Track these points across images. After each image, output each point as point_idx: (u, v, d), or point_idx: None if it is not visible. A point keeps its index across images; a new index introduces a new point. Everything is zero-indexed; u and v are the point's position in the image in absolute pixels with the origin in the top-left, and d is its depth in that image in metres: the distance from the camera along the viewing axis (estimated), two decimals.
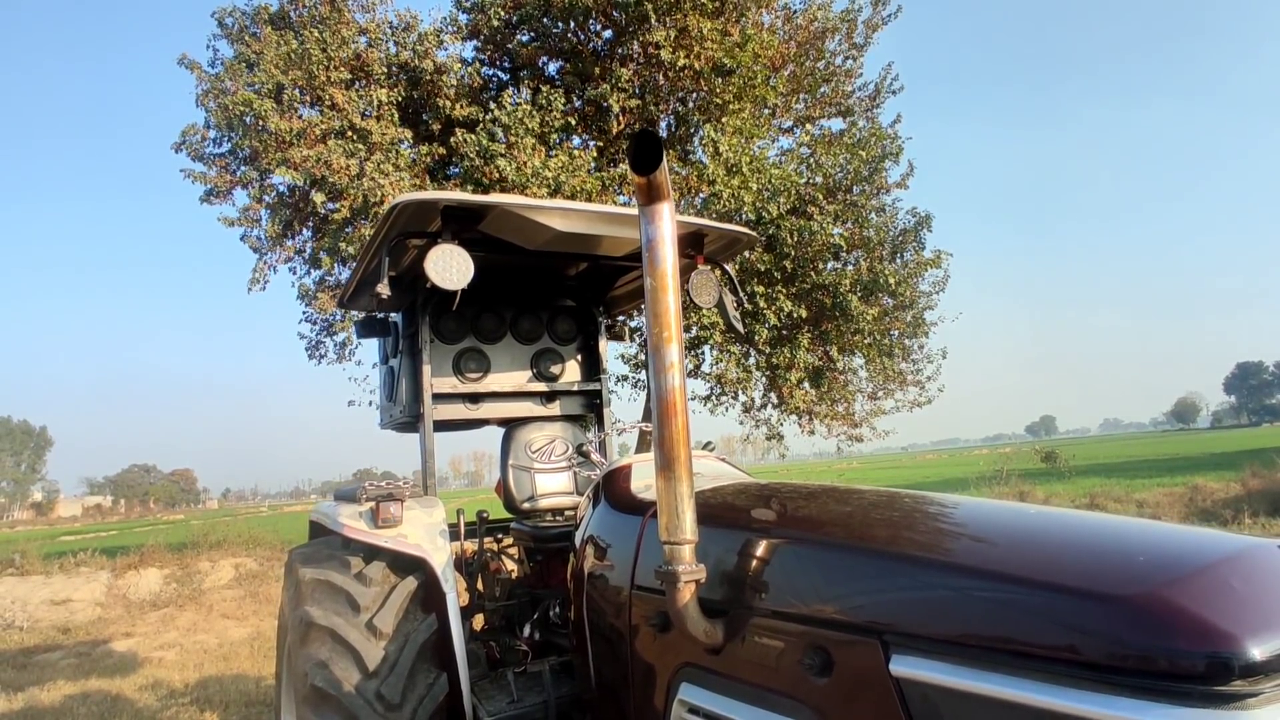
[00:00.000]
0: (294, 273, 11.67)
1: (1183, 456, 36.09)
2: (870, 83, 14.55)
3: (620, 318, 5.20)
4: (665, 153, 1.84)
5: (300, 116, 9.78)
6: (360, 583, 2.94)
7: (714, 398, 13.15)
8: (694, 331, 11.63)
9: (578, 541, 2.74)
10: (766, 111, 13.61)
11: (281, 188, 10.59)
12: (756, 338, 11.25)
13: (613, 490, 2.61)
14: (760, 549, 1.78)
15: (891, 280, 10.93)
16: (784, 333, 11.54)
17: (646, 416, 12.79)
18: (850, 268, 11.36)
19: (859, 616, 1.50)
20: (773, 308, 10.87)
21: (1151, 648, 1.10)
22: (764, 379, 12.60)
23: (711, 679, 1.85)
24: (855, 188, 11.50)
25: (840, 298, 10.88)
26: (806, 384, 12.12)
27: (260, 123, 9.34)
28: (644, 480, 2.64)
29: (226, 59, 10.34)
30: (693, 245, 3.63)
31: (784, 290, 11.04)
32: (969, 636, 1.29)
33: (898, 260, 11.70)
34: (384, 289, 2.98)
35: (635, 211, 3.35)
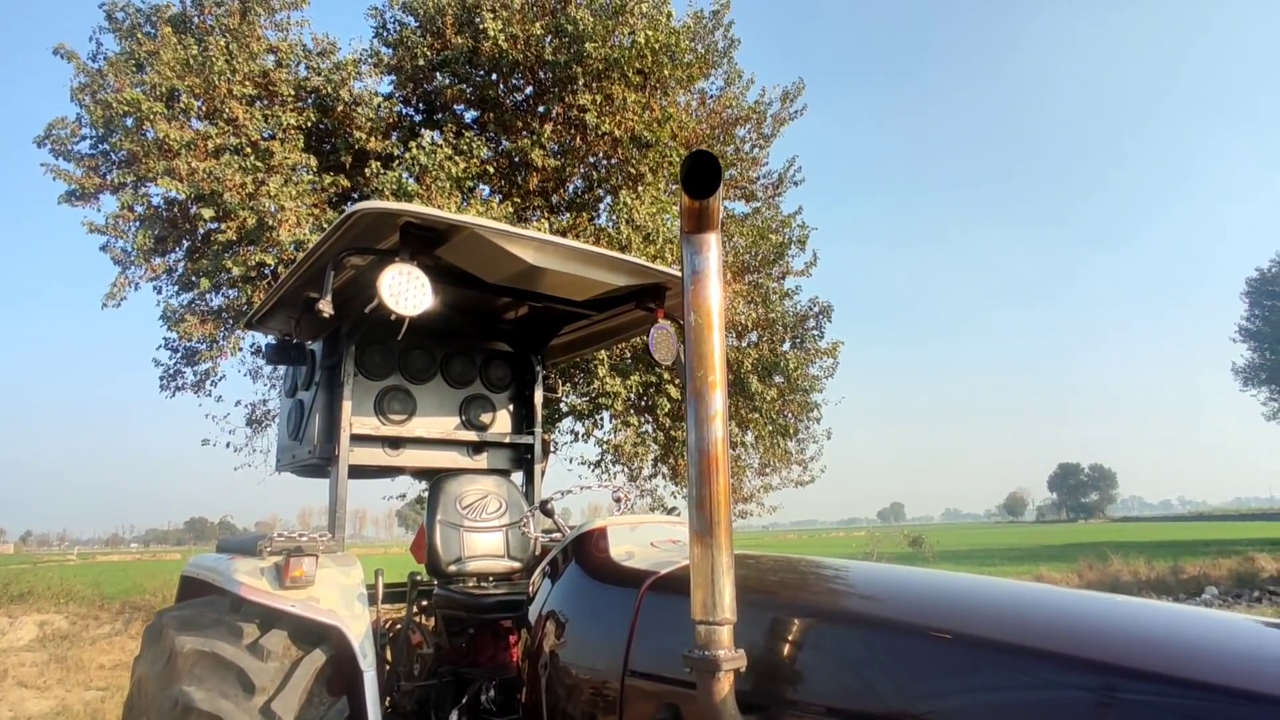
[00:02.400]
0: (159, 292, 10.54)
1: (1019, 547, 39.00)
2: (775, 172, 15.34)
3: (554, 370, 4.91)
4: (721, 181, 1.66)
5: (192, 127, 9.00)
6: (255, 656, 2.43)
7: (605, 464, 12.90)
8: (594, 395, 11.42)
9: (533, 615, 2.39)
10: (676, 187, 13.97)
11: (157, 199, 9.62)
12: (658, 410, 11.18)
13: (588, 557, 2.30)
14: (805, 632, 1.55)
15: (791, 363, 11.24)
16: (683, 407, 11.52)
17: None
18: (752, 347, 11.61)
19: (947, 716, 1.28)
20: (675, 381, 10.87)
21: None
22: (658, 449, 12.50)
23: None
24: (762, 269, 11.89)
25: (741, 376, 11.04)
26: None
27: (145, 126, 8.49)
28: (624, 547, 2.35)
29: (111, 54, 9.46)
30: (653, 298, 3.46)
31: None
32: None
33: (797, 346, 12.11)
34: (326, 306, 2.61)
35: (612, 253, 3.16)
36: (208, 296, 10.04)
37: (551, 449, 13.53)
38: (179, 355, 11.00)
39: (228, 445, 11.76)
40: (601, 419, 12.31)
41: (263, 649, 2.45)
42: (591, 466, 12.94)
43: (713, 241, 1.70)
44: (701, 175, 1.62)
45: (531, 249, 2.82)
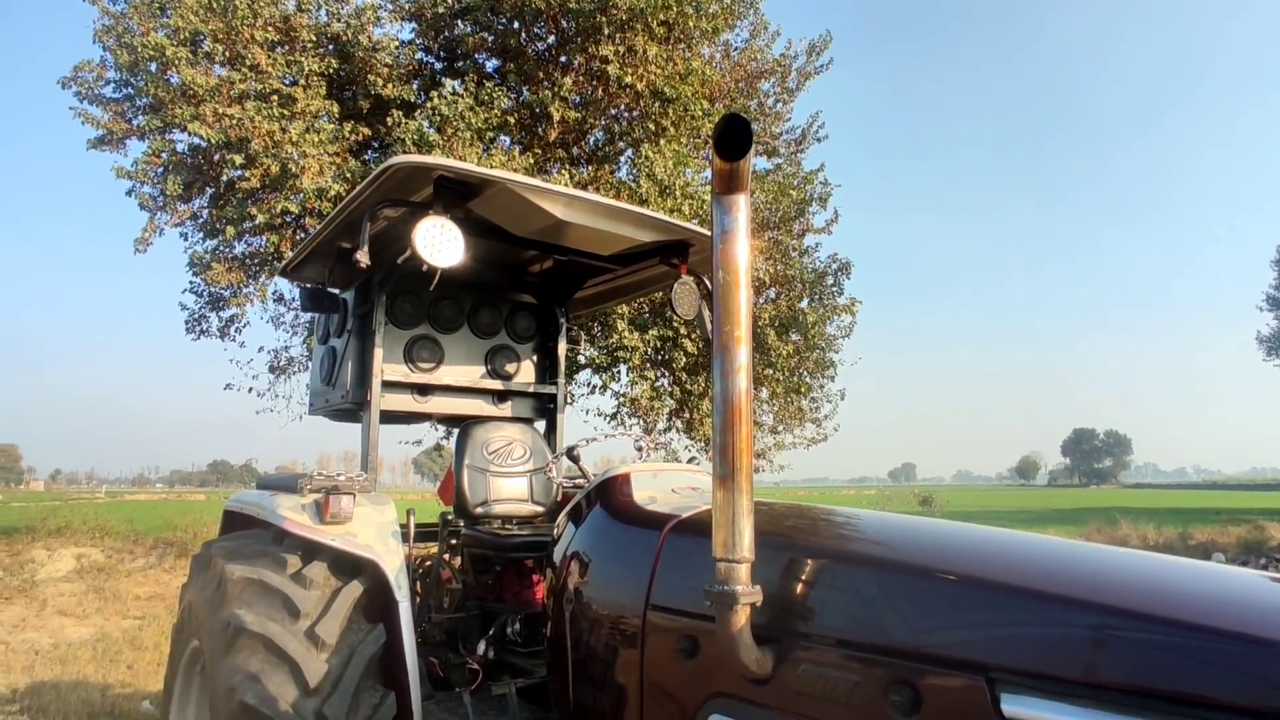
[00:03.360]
0: (185, 239, 10.70)
1: (1029, 510, 39.25)
2: (798, 128, 15.12)
3: (576, 323, 5.01)
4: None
5: (216, 73, 9.00)
6: (299, 584, 2.59)
7: (620, 417, 13.07)
8: (611, 349, 11.54)
9: (558, 555, 2.52)
10: (699, 140, 13.84)
11: (183, 146, 9.70)
12: (674, 364, 11.28)
13: (613, 502, 2.42)
14: (821, 572, 1.66)
15: (809, 319, 11.27)
16: (699, 361, 11.63)
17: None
18: (769, 303, 11.63)
19: (958, 651, 1.39)
20: (693, 335, 10.93)
21: None
22: (673, 403, 12.64)
23: (752, 711, 1.69)
24: (781, 226, 11.84)
25: (759, 331, 11.09)
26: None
27: (169, 71, 8.52)
28: (647, 492, 2.47)
29: None
30: (677, 253, 3.52)
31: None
32: (1102, 678, 1.21)
33: (814, 301, 12.10)
34: (364, 257, 2.70)
35: (639, 209, 3.22)
36: (232, 243, 10.16)
37: (569, 400, 13.73)
38: (204, 300, 11.20)
39: (250, 390, 12.02)
40: (619, 372, 12.43)
41: (305, 578, 2.61)
42: (608, 418, 13.12)
43: (742, 202, 1.76)
44: (733, 137, 1.68)
45: (561, 204, 2.89)
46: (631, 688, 2.01)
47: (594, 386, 13.22)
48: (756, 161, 15.20)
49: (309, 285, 3.80)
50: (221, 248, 10.40)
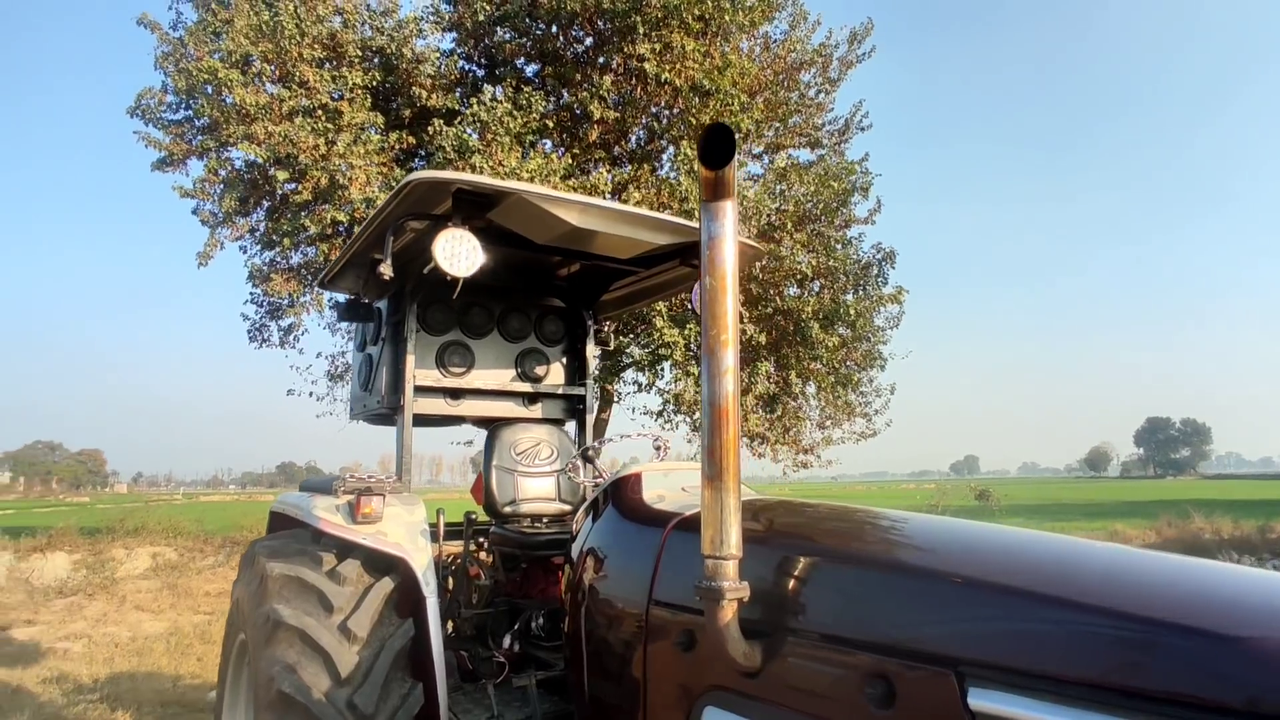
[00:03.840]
0: (244, 251, 11.19)
1: (1097, 503, 37.82)
2: (840, 118, 14.90)
3: (607, 324, 5.10)
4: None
5: (266, 91, 9.39)
6: (334, 581, 2.73)
7: (666, 414, 13.12)
8: (653, 347, 11.60)
9: (575, 552, 2.61)
10: (739, 136, 13.76)
11: (239, 162, 10.14)
12: None
13: (623, 500, 2.49)
14: (807, 568, 1.70)
15: (852, 311, 11.12)
16: (743, 356, 11.60)
17: (598, 430, 12.65)
18: (813, 296, 11.51)
19: (929, 645, 1.42)
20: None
21: (1275, 691, 1.05)
22: None
23: (744, 703, 1.74)
24: (823, 218, 11.70)
25: (802, 324, 11.01)
26: (761, 409, 12.20)
27: (223, 92, 8.92)
28: (656, 491, 2.53)
29: (189, 23, 9.89)
30: (696, 255, 3.56)
31: (747, 313, 11.11)
32: (1067, 673, 1.23)
33: (859, 292, 11.93)
34: (386, 269, 2.83)
35: (653, 214, 3.28)
36: (288, 254, 10.58)
37: (615, 399, 13.85)
38: (264, 311, 11.68)
39: (310, 394, 12.49)
40: (662, 369, 12.49)
41: (339, 575, 2.75)
42: (654, 416, 13.19)
43: (729, 209, 1.81)
44: (717, 146, 1.73)
45: (575, 212, 2.96)
46: (636, 681, 2.08)
47: (640, 385, 13.32)
48: (799, 153, 15.06)
49: (346, 296, 3.97)
50: (278, 259, 10.84)
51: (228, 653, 3.39)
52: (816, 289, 11.76)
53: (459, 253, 2.73)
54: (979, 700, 1.30)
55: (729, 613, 1.63)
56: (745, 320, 10.96)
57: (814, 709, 1.59)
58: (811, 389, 12.82)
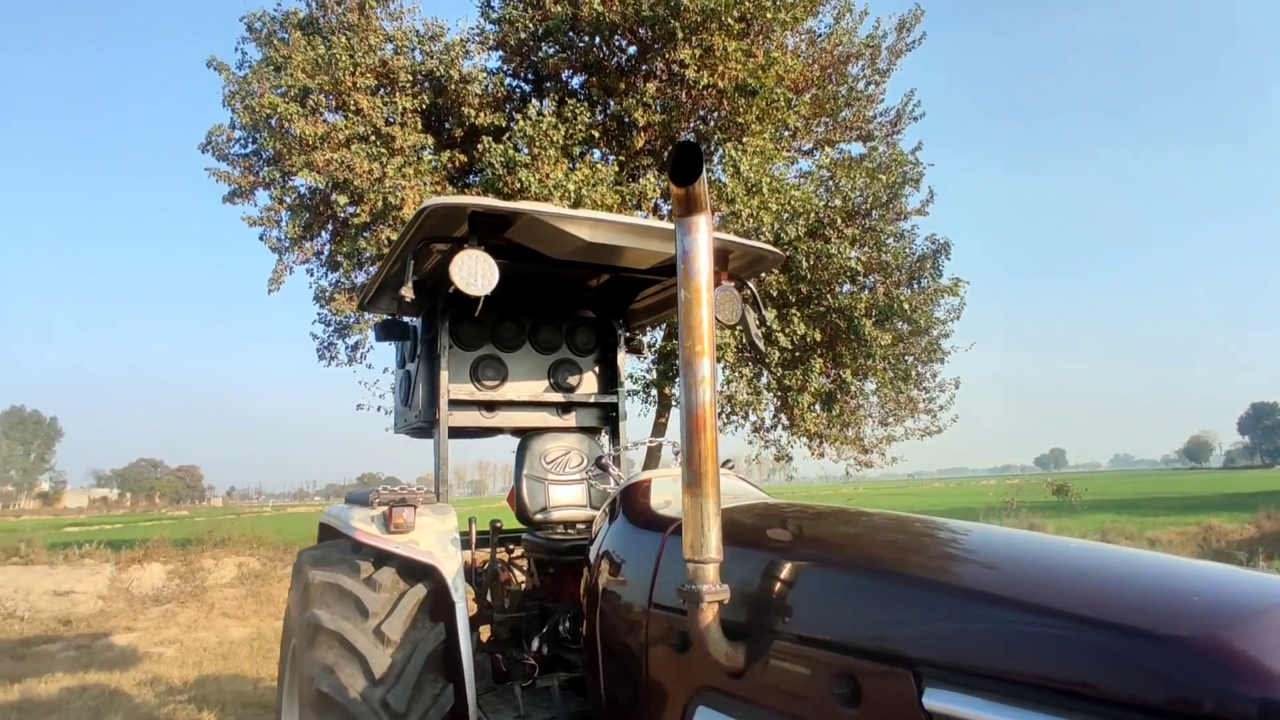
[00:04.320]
0: (311, 274, 11.77)
1: (1196, 495, 35.65)
2: (892, 108, 14.61)
3: (639, 333, 5.18)
4: (705, 166, 1.82)
5: (325, 120, 9.87)
6: (369, 588, 2.90)
7: (724, 417, 13.10)
8: None
9: (592, 556, 2.70)
10: (787, 134, 13.66)
11: (303, 190, 10.69)
12: (769, 360, 11.21)
13: (631, 505, 2.57)
14: (787, 571, 1.73)
15: (907, 306, 10.89)
16: (797, 355, 11.50)
17: (657, 432, 12.74)
18: (866, 292, 11.32)
19: (890, 646, 1.45)
20: (786, 330, 10.84)
21: (1207, 691, 1.05)
22: (775, 400, 12.55)
23: (731, 703, 1.79)
24: (874, 212, 11.50)
25: (855, 322, 10.84)
26: (818, 407, 12.06)
27: (285, 125, 9.43)
28: (663, 496, 2.60)
29: (254, 62, 10.48)
30: (717, 261, 3.60)
31: (799, 312, 11.02)
32: (1010, 672, 1.24)
33: (914, 286, 11.67)
34: (407, 292, 2.97)
35: (662, 224, 3.35)
36: (351, 275, 11.07)
37: (674, 402, 13.91)
38: (331, 329, 12.24)
39: (378, 409, 12.99)
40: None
41: (375, 582, 2.92)
42: None
43: (702, 223, 1.86)
44: (686, 164, 1.79)
45: (586, 228, 3.06)
46: (638, 682, 2.15)
47: None
48: (851, 147, 14.81)
49: (384, 315, 4.18)
50: (342, 279, 11.35)
51: (284, 656, 3.61)
52: (870, 285, 11.56)
53: (475, 273, 2.85)
54: (933, 700, 1.32)
55: (709, 615, 1.68)
56: (796, 319, 10.86)
57: (790, 708, 1.63)
58: (870, 385, 12.61)
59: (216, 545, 13.57)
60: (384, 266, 3.48)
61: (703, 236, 1.86)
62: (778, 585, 1.72)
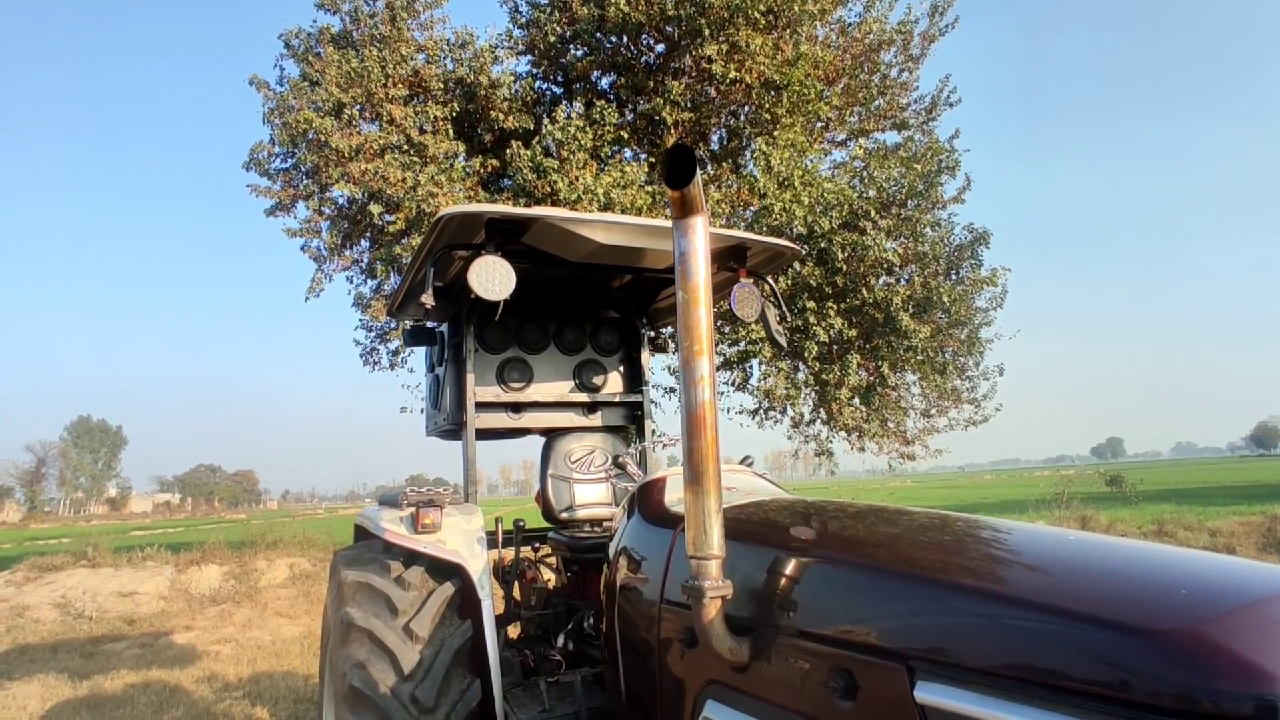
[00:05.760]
0: (351, 281, 12.06)
1: (1263, 484, 34.17)
2: (926, 95, 14.35)
3: (664, 330, 5.21)
4: (700, 167, 1.85)
5: (359, 132, 10.11)
6: (399, 586, 2.99)
7: (762, 412, 13.05)
8: (742, 345, 11.58)
9: (611, 553, 2.74)
10: (820, 125, 13.53)
11: (340, 200, 10.96)
12: (806, 354, 11.13)
13: (647, 503, 2.61)
14: (789, 567, 1.75)
15: (946, 298, 10.70)
16: (834, 349, 11.39)
17: None
18: (903, 284, 11.15)
19: (884, 640, 1.46)
20: (822, 324, 10.74)
21: (1193, 687, 1.04)
22: (813, 395, 12.44)
23: (737, 697, 1.82)
24: (910, 202, 11.31)
25: (892, 314, 10.69)
26: (857, 401, 11.92)
27: (321, 139, 9.68)
28: (678, 494, 2.63)
29: (292, 78, 10.77)
30: (735, 259, 3.62)
31: (834, 306, 10.91)
32: (998, 667, 1.25)
33: (953, 277, 11.45)
34: (428, 299, 3.05)
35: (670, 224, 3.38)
36: (389, 282, 11.32)
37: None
38: (373, 335, 12.53)
39: (420, 411, 13.25)
40: (750, 368, 12.46)
41: (405, 581, 3.02)
42: (750, 415, 13.17)
43: (699, 225, 1.89)
44: (680, 167, 1.81)
45: (600, 230, 3.10)
46: (652, 676, 2.19)
47: (732, 384, 13.30)
48: (886, 136, 14.59)
49: (413, 322, 4.29)
50: (381, 286, 11.61)
51: (323, 653, 3.74)
52: (907, 276, 11.38)
53: (493, 278, 2.91)
54: (924, 694, 1.33)
55: (712, 610, 1.71)
56: (833, 313, 10.76)
57: (791, 702, 1.65)
58: (912, 377, 12.42)
59: (269, 547, 14.02)
60: (408, 274, 3.58)
61: (699, 238, 1.89)
62: (780, 580, 1.74)
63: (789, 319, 10.15)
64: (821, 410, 12.78)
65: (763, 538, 1.98)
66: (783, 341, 3.85)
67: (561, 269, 3.55)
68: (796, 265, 10.54)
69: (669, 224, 3.36)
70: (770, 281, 3.77)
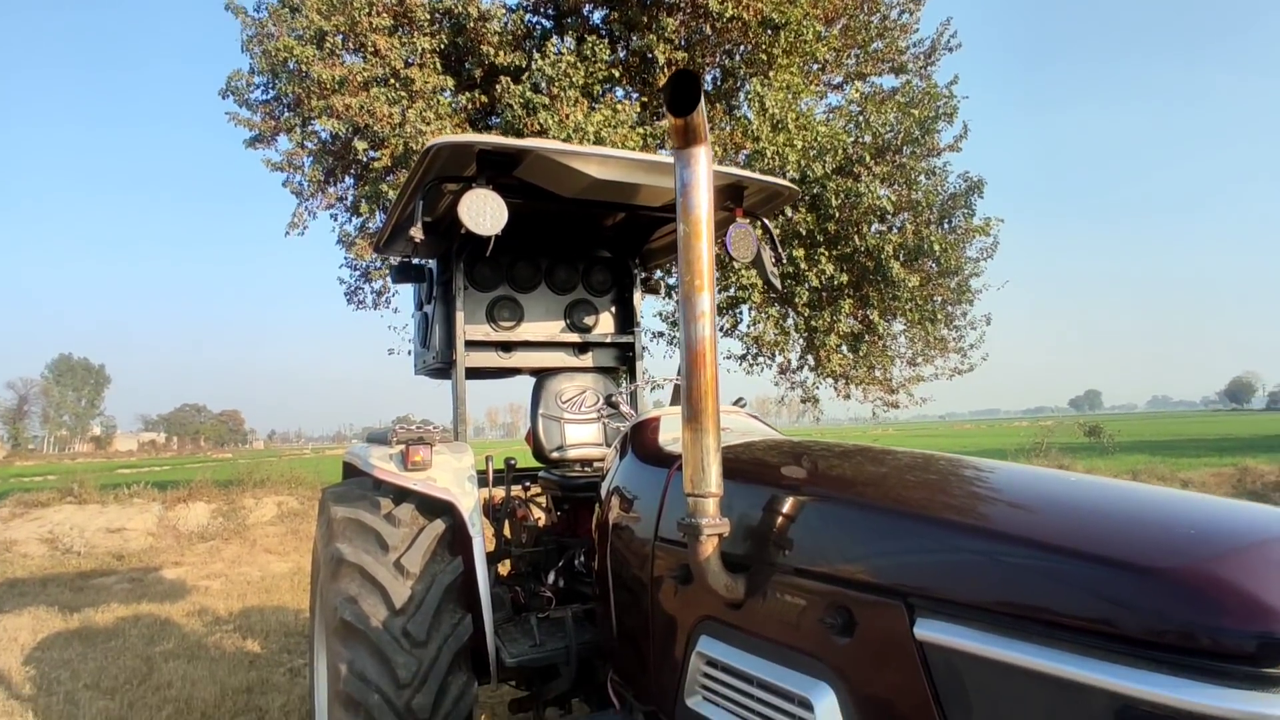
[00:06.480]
0: (335, 219, 11.81)
1: (1234, 437, 35.00)
2: (926, 39, 14.03)
3: (657, 272, 5.13)
4: (704, 96, 1.77)
5: (343, 63, 9.74)
6: (389, 523, 2.98)
7: (750, 358, 13.09)
8: (733, 290, 11.52)
9: (603, 492, 2.74)
10: (816, 67, 13.21)
11: (324, 135, 10.63)
12: (796, 300, 11.09)
13: (640, 442, 2.60)
14: (786, 505, 1.74)
15: (937, 246, 10.63)
16: (824, 295, 11.36)
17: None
18: (895, 232, 11.06)
19: (883, 578, 1.46)
20: (814, 270, 10.67)
21: (1194, 624, 1.04)
22: (801, 341, 12.46)
23: (731, 633, 1.83)
24: (905, 149, 11.14)
25: (883, 262, 10.63)
26: (845, 348, 11.96)
27: (303, 69, 9.33)
28: (672, 433, 2.61)
29: (271, 4, 10.32)
30: (731, 198, 3.54)
31: (826, 253, 10.83)
32: (999, 603, 1.25)
33: (945, 226, 11.37)
34: (417, 233, 2.96)
35: (672, 160, 3.28)
36: (374, 219, 11.09)
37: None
38: (358, 274, 12.34)
39: (407, 353, 13.17)
40: (740, 313, 12.42)
41: (395, 517, 3.01)
42: (738, 360, 13.20)
43: (701, 155, 1.82)
44: (684, 93, 1.73)
45: (594, 164, 3.01)
46: (645, 612, 2.21)
47: (722, 329, 13.27)
48: (883, 80, 14.29)
49: (400, 259, 4.19)
50: (366, 224, 11.38)
51: (314, 589, 3.76)
52: (899, 224, 11.29)
53: (484, 212, 2.83)
54: (924, 630, 1.33)
55: (709, 548, 1.70)
56: (824, 260, 10.69)
57: (788, 638, 1.66)
58: (899, 325, 12.44)
59: (257, 485, 14.05)
60: (395, 208, 3.47)
61: (702, 169, 1.82)
62: (777, 519, 1.73)
63: (784, 262, 10.05)
64: (809, 357, 12.82)
65: (759, 476, 1.97)
66: (778, 285, 3.80)
67: (554, 205, 3.46)
68: (788, 211, 10.41)
69: (665, 159, 3.28)
70: (766, 222, 3.70)
